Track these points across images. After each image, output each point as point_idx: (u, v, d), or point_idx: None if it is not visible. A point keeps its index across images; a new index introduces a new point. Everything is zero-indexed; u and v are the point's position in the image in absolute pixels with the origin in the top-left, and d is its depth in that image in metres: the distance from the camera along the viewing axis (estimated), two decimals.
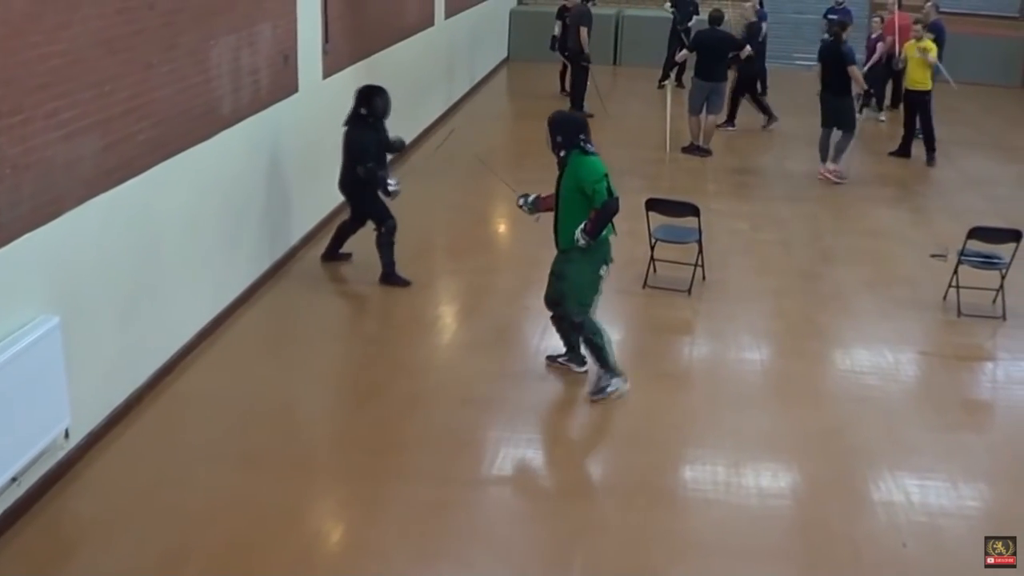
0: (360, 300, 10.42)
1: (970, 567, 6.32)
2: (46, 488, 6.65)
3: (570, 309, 8.23)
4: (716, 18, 16.21)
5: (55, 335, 6.41)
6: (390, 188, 10.07)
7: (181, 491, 6.81)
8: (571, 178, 8.07)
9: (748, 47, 16.67)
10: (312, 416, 8.13)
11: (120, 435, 7.39)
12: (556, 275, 8.35)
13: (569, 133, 8.09)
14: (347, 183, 10.35)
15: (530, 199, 8.85)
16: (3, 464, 6.05)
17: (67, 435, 6.79)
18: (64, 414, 6.64)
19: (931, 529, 6.74)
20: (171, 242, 8.15)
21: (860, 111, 16.83)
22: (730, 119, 17.66)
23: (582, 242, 7.97)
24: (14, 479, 6.22)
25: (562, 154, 8.13)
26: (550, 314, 8.62)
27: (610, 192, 7.93)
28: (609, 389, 8.26)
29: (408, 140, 14.43)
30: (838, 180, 14.51)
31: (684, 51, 15.97)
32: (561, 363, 8.79)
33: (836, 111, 14.67)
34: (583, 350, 8.52)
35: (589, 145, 8.09)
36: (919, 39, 15.50)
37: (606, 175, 7.98)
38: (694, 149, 16.01)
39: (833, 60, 14.60)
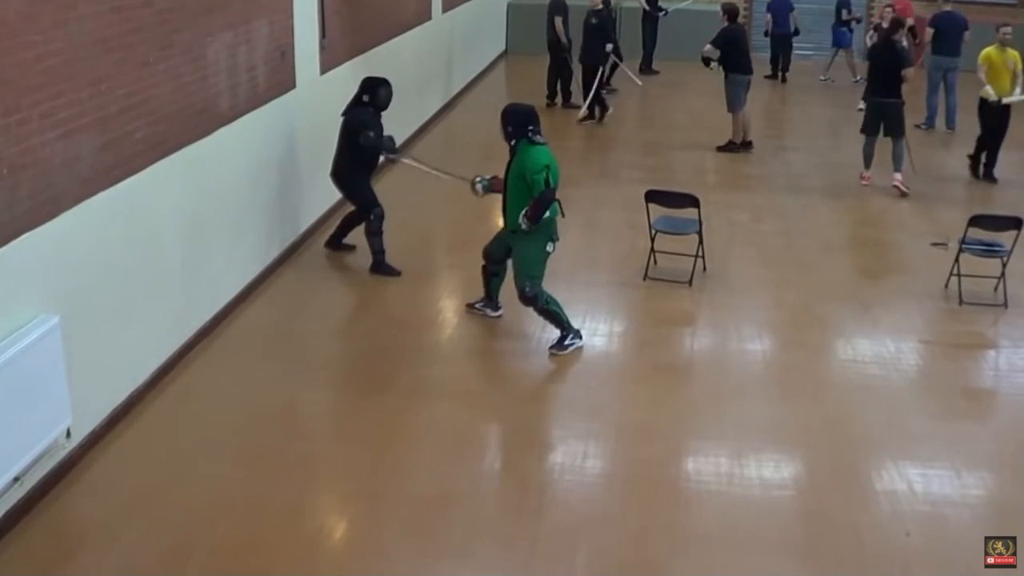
0: (360, 296, 10.40)
1: (974, 556, 6.29)
2: (48, 488, 6.64)
3: (522, 284, 8.81)
4: (735, 11, 16.01)
5: (55, 335, 6.40)
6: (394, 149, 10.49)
7: (183, 489, 6.81)
8: (517, 166, 8.70)
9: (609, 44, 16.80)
10: (314, 412, 8.12)
11: (122, 434, 7.39)
12: (509, 252, 9.03)
13: (518, 124, 8.77)
14: (338, 170, 10.49)
15: (486, 180, 9.44)
16: (5, 464, 6.05)
17: (68, 434, 6.79)
18: (65, 413, 6.63)
19: (934, 518, 6.73)
20: (170, 240, 8.15)
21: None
22: (591, 113, 17.40)
23: (524, 226, 8.60)
24: (16, 479, 6.22)
25: (512, 143, 8.78)
26: (482, 264, 9.37)
27: (548, 183, 8.48)
28: (567, 343, 8.87)
29: (407, 134, 14.50)
30: (905, 190, 13.45)
31: (711, 46, 15.52)
32: (478, 309, 9.56)
33: (885, 116, 13.57)
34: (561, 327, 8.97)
35: (538, 136, 8.72)
36: (1004, 48, 14.09)
37: (547, 166, 8.54)
38: (742, 145, 15.68)
39: (885, 60, 13.61)
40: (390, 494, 6.86)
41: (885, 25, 15.40)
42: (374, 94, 10.32)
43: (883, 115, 13.58)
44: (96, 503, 6.71)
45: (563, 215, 8.97)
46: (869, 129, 13.83)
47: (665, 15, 21.35)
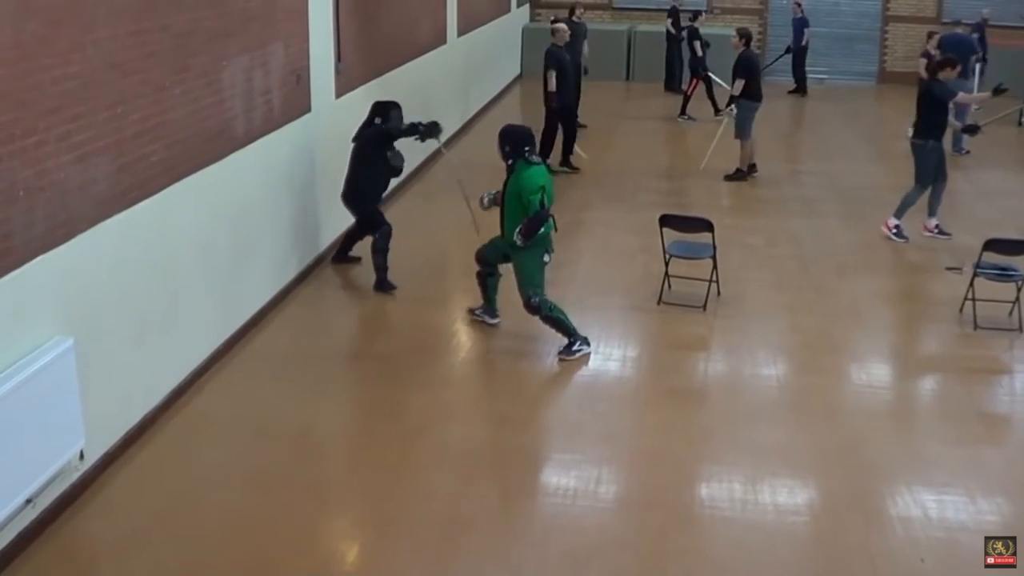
0: (374, 318, 10.41)
1: None
2: (61, 509, 6.64)
3: (526, 294, 9.08)
4: (751, 36, 15.90)
5: (69, 356, 6.42)
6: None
7: (196, 511, 6.81)
8: (514, 184, 8.99)
9: (552, 77, 15.20)
10: (327, 435, 8.12)
11: (135, 456, 7.39)
12: (504, 258, 9.41)
13: (515, 144, 9.06)
14: (352, 192, 10.65)
15: (492, 195, 9.51)
16: (18, 486, 6.06)
17: (82, 456, 6.79)
18: (79, 435, 6.64)
19: (949, 544, 6.68)
20: (185, 263, 8.17)
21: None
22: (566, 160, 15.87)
23: (519, 243, 8.90)
24: (29, 501, 6.22)
25: (509, 162, 9.06)
26: (476, 269, 9.69)
27: (543, 204, 8.78)
28: (575, 349, 9.16)
29: (422, 158, 14.50)
30: (943, 235, 12.61)
31: (740, 80, 15.17)
32: (477, 315, 9.85)
33: (941, 159, 12.45)
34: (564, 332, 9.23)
35: (534, 156, 9.07)
36: None
37: (543, 187, 8.83)
38: (745, 173, 15.52)
39: (925, 100, 12.48)
40: (402, 518, 6.85)
41: (934, 52, 14.67)
42: (387, 116, 10.49)
43: (915, 160, 12.61)
44: (109, 525, 6.70)
45: (556, 229, 9.21)
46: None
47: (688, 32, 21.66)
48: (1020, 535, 6.52)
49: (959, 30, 17.65)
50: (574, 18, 18.01)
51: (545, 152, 15.28)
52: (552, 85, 15.33)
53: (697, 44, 19.86)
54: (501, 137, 9.16)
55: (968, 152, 17.02)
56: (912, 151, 12.65)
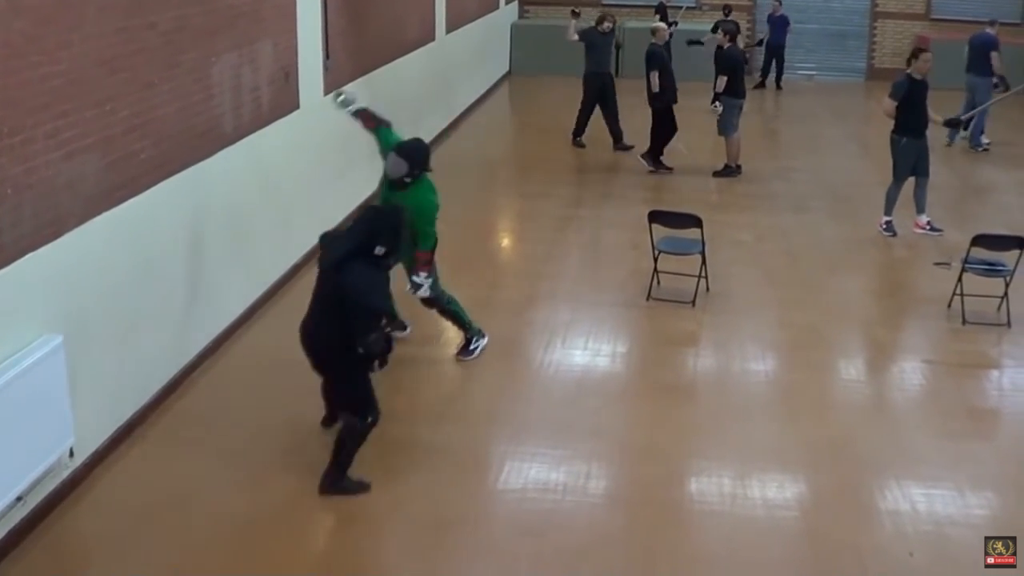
0: None
1: None
2: (51, 507, 6.64)
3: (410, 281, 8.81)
4: (737, 32, 15.89)
5: (58, 355, 6.41)
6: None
7: (186, 509, 6.80)
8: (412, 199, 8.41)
9: (656, 77, 15.43)
10: (316, 432, 8.09)
11: (125, 454, 7.39)
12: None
13: (423, 161, 8.55)
14: (326, 346, 7.12)
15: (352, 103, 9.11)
16: (8, 484, 6.05)
17: (71, 454, 6.78)
18: (68, 433, 6.63)
19: (938, 538, 6.71)
20: (174, 260, 8.16)
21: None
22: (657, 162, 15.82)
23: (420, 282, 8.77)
24: (19, 498, 6.22)
25: (408, 180, 8.47)
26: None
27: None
28: (472, 347, 9.13)
29: None
30: (935, 231, 12.62)
31: (723, 77, 15.22)
32: None
33: (920, 155, 12.49)
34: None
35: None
36: None
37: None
38: (734, 170, 15.52)
39: (919, 97, 12.36)
40: (392, 516, 6.86)
41: None
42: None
43: (916, 156, 12.56)
44: (99, 522, 6.70)
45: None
46: (900, 173, 12.73)
47: (676, 25, 21.65)
48: (1015, 532, 6.55)
49: (988, 30, 17.75)
50: (600, 29, 17.22)
51: (656, 152, 15.65)
52: (656, 85, 15.44)
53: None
54: (410, 154, 8.42)
55: (988, 148, 17.21)
56: (925, 149, 12.64)
